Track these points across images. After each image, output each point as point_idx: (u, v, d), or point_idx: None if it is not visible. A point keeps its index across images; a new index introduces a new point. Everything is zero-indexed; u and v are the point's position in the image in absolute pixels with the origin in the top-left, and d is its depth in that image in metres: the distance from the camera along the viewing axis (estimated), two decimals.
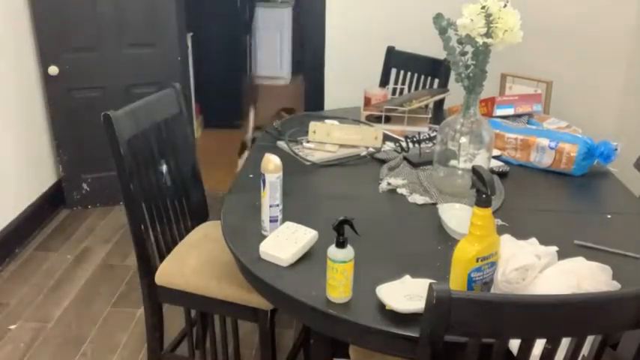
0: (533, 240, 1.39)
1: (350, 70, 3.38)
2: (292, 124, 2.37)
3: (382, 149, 2.16)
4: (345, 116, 2.45)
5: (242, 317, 1.88)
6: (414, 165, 2.02)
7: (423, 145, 2.13)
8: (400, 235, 1.63)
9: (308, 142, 2.18)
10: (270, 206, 1.57)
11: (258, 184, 1.59)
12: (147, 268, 1.93)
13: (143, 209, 1.91)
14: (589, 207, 1.87)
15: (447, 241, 1.56)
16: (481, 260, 1.24)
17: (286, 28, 6.10)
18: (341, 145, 2.17)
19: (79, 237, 3.27)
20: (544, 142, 2.02)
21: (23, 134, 3.22)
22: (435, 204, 1.77)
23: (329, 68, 3.43)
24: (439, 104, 2.83)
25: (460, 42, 1.70)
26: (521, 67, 2.78)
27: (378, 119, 2.42)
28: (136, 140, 1.90)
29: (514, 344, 1.10)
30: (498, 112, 2.31)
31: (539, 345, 1.07)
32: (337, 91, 3.43)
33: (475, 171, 1.24)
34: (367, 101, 2.52)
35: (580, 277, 1.25)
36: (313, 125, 2.21)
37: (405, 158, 2.07)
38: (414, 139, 2.16)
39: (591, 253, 1.46)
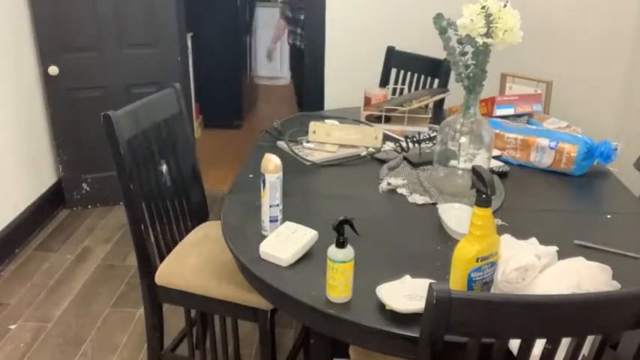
0: (533, 240, 1.39)
1: (350, 70, 3.38)
2: (292, 124, 2.37)
3: (382, 149, 2.16)
4: (345, 116, 2.45)
5: (242, 317, 1.88)
6: (414, 165, 2.02)
7: (423, 145, 2.13)
8: (400, 235, 1.63)
9: (308, 142, 2.18)
10: (270, 206, 1.57)
11: (258, 184, 1.59)
12: (147, 268, 1.93)
13: (143, 209, 1.91)
14: (589, 207, 1.87)
15: (447, 241, 1.56)
16: (481, 260, 1.24)
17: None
18: (341, 145, 2.17)
19: (79, 237, 3.27)
20: (544, 142, 2.02)
21: (23, 134, 3.22)
22: (435, 204, 1.77)
23: (329, 68, 3.43)
24: (439, 104, 2.83)
25: (460, 42, 1.70)
26: (521, 67, 2.78)
27: (378, 119, 2.42)
28: (136, 140, 1.90)
29: (514, 344, 1.10)
30: (498, 112, 2.31)
31: (539, 345, 1.07)
32: (337, 91, 3.43)
33: (475, 171, 1.24)
34: (367, 101, 2.52)
35: (580, 277, 1.25)
36: (313, 125, 2.21)
37: (405, 158, 2.07)
38: (414, 139, 2.16)
39: (591, 253, 1.46)
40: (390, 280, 1.32)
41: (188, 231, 2.13)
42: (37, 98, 3.35)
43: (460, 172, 1.82)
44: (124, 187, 1.84)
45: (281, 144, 2.19)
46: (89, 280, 2.87)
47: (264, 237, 1.53)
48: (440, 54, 1.95)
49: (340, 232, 1.28)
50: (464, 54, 1.71)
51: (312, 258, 1.47)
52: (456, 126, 1.79)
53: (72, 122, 3.40)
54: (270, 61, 5.56)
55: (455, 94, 2.25)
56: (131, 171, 1.85)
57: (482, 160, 1.78)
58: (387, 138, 2.29)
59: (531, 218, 1.73)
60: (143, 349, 2.35)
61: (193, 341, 2.03)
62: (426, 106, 2.44)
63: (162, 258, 1.98)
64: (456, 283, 1.25)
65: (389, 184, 1.88)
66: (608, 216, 1.75)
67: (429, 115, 2.42)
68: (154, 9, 3.36)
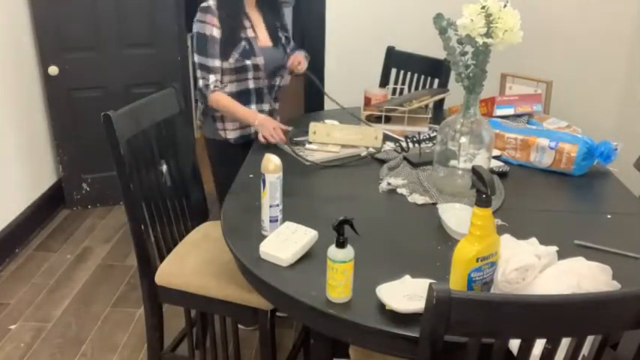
0: (533, 240, 1.38)
1: (350, 70, 3.38)
2: (290, 125, 2.36)
3: (382, 149, 2.16)
4: (345, 116, 2.45)
5: (242, 317, 1.88)
6: (414, 165, 2.02)
7: (423, 145, 2.12)
8: (400, 235, 1.62)
9: (310, 142, 2.18)
10: (270, 206, 1.57)
11: (258, 184, 1.59)
12: (147, 268, 1.93)
13: (143, 209, 1.91)
14: (589, 207, 1.87)
15: (447, 241, 1.56)
16: (481, 260, 1.24)
17: None
18: (342, 146, 2.17)
19: (79, 237, 3.27)
20: (544, 142, 2.02)
21: (23, 134, 3.22)
22: (435, 204, 1.77)
23: (329, 68, 3.43)
24: (439, 104, 2.83)
25: (460, 42, 1.70)
26: (521, 67, 2.78)
27: (378, 119, 2.42)
28: (136, 140, 1.90)
29: (514, 344, 1.10)
30: (498, 112, 2.31)
31: (539, 345, 1.07)
32: (337, 91, 3.42)
33: (475, 171, 1.24)
34: (367, 101, 2.52)
35: (580, 277, 1.25)
36: (313, 126, 2.21)
37: (405, 158, 2.07)
38: (414, 139, 2.16)
39: (591, 253, 1.45)
40: (390, 280, 1.32)
41: (188, 231, 2.13)
42: (37, 98, 3.35)
43: (460, 172, 1.82)
44: (124, 187, 1.84)
45: (281, 144, 2.19)
46: (89, 280, 2.87)
47: (264, 237, 1.53)
48: (440, 54, 1.95)
49: (340, 232, 1.28)
50: (464, 54, 1.71)
51: (312, 258, 1.47)
52: (456, 126, 1.79)
53: (72, 122, 3.40)
54: None
55: (455, 94, 2.25)
56: (131, 171, 1.85)
57: (483, 160, 1.78)
58: (387, 138, 2.29)
59: (531, 218, 1.73)
60: (143, 349, 2.35)
61: (193, 341, 2.02)
62: (426, 106, 2.44)
63: (162, 258, 1.98)
64: (456, 283, 1.25)
65: (389, 184, 1.88)
66: (608, 216, 1.75)
67: (429, 115, 2.42)
68: (154, 9, 3.36)
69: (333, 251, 1.28)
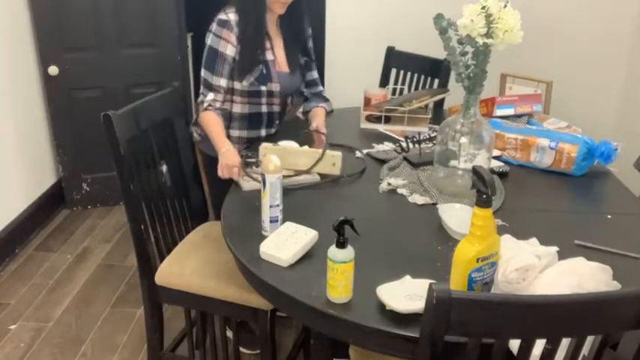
0: (534, 240, 1.39)
1: (350, 70, 3.38)
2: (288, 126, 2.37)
3: (343, 176, 1.93)
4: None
5: (242, 317, 1.88)
6: (414, 165, 2.02)
7: (423, 145, 2.12)
8: (400, 235, 1.62)
9: (258, 165, 1.88)
10: (270, 206, 1.57)
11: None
12: (147, 268, 1.93)
13: (143, 209, 1.91)
14: (589, 207, 1.87)
15: (447, 241, 1.56)
16: (481, 260, 1.24)
17: None
18: (295, 171, 1.90)
19: (79, 237, 3.27)
20: (544, 142, 2.02)
21: (23, 134, 3.22)
22: (435, 204, 1.77)
23: (329, 68, 3.43)
24: (439, 104, 2.83)
25: (460, 42, 1.70)
26: (521, 67, 2.79)
27: (378, 119, 2.42)
28: (136, 140, 1.90)
29: (514, 344, 1.10)
30: (498, 112, 2.31)
31: (539, 345, 1.07)
32: (337, 91, 3.43)
33: (475, 171, 1.24)
34: (367, 101, 2.52)
35: (580, 277, 1.25)
36: (264, 149, 1.92)
37: (405, 158, 2.07)
38: (414, 140, 2.16)
39: (591, 253, 1.45)
40: (390, 280, 1.32)
41: (188, 231, 2.13)
42: (37, 98, 3.35)
43: (460, 172, 1.82)
44: (124, 187, 1.84)
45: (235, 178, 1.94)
46: (89, 280, 2.87)
47: (264, 237, 1.53)
48: (440, 54, 1.95)
49: (340, 233, 1.28)
50: (464, 54, 1.71)
51: (312, 258, 1.47)
52: (456, 126, 1.79)
53: (72, 122, 3.40)
54: None
55: (455, 94, 2.25)
56: (131, 171, 1.85)
57: (483, 160, 1.78)
58: (386, 138, 2.29)
59: (531, 218, 1.73)
60: (143, 349, 2.35)
61: (193, 341, 2.02)
62: (426, 106, 2.44)
63: (162, 258, 1.98)
64: (457, 283, 1.25)
65: (389, 184, 1.88)
66: (609, 216, 1.75)
67: (429, 116, 2.42)
68: (154, 9, 3.35)
69: (333, 251, 1.28)
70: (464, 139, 1.78)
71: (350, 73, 3.34)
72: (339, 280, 1.28)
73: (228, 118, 2.25)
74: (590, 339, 1.11)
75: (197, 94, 2.32)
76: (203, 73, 2.16)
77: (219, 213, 1.77)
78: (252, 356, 2.34)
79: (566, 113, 2.59)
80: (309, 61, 2.40)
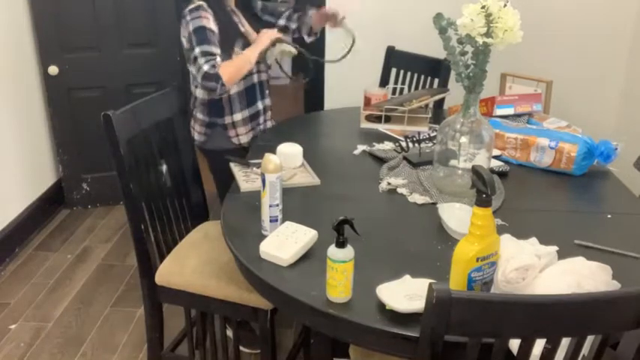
0: (533, 240, 1.39)
1: (350, 70, 3.38)
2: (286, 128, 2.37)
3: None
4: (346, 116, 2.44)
5: (242, 317, 1.88)
6: (414, 165, 2.02)
7: (423, 144, 2.12)
8: (400, 235, 1.62)
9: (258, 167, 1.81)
10: (270, 206, 1.57)
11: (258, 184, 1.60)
12: (147, 268, 1.93)
13: (143, 209, 1.91)
14: (589, 207, 1.87)
15: (447, 241, 1.56)
16: (481, 260, 1.24)
17: None
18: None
19: (79, 237, 3.27)
20: (544, 141, 2.02)
21: (23, 134, 3.22)
22: (435, 204, 1.77)
23: (329, 68, 3.43)
24: (439, 104, 2.83)
25: (460, 42, 1.70)
26: (521, 67, 2.78)
27: (378, 119, 2.42)
28: (136, 140, 1.90)
29: (514, 344, 1.10)
30: (498, 111, 2.31)
31: (539, 345, 1.07)
32: (337, 91, 3.43)
33: (475, 171, 1.24)
34: (367, 101, 2.52)
35: (580, 276, 1.25)
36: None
37: (405, 158, 2.07)
38: (414, 139, 2.16)
39: (591, 253, 1.46)
40: (390, 280, 1.32)
41: (188, 231, 2.13)
42: (37, 98, 3.35)
43: (460, 172, 1.82)
44: (124, 187, 1.84)
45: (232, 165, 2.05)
46: (89, 280, 2.87)
47: (264, 237, 1.53)
48: (440, 54, 1.95)
49: (340, 232, 1.28)
50: (464, 54, 1.71)
51: (312, 258, 1.47)
52: (456, 126, 1.79)
53: (72, 122, 3.40)
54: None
55: (455, 94, 2.25)
56: (131, 171, 1.85)
57: (482, 159, 1.78)
58: (386, 138, 2.29)
59: (531, 218, 1.73)
60: (143, 349, 2.35)
61: (193, 341, 2.02)
62: (426, 105, 2.44)
63: (162, 258, 1.98)
64: (456, 283, 1.25)
65: (389, 184, 1.88)
66: (609, 216, 1.75)
67: (429, 115, 2.42)
68: (154, 9, 3.35)
69: (333, 251, 1.28)
70: (464, 139, 1.78)
71: (350, 73, 3.34)
72: (339, 279, 1.28)
73: (229, 106, 2.32)
74: (590, 339, 1.11)
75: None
76: (199, 48, 2.13)
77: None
78: (252, 356, 2.34)
79: (566, 113, 2.58)
80: (270, 9, 2.51)
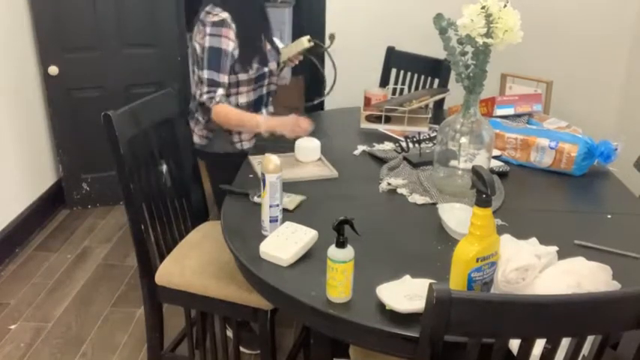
0: (533, 240, 1.39)
1: (350, 70, 3.38)
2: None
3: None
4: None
5: (242, 317, 1.88)
6: (414, 165, 2.02)
7: (423, 145, 2.12)
8: (400, 235, 1.62)
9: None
10: (270, 206, 1.57)
11: (258, 184, 1.59)
12: (147, 268, 1.93)
13: (143, 209, 1.91)
14: (589, 207, 1.87)
15: (447, 241, 1.56)
16: (481, 260, 1.24)
17: (286, 28, 6.09)
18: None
19: (79, 237, 3.27)
20: (544, 142, 2.02)
21: (23, 134, 3.22)
22: (435, 204, 1.77)
23: (329, 68, 3.42)
24: (439, 104, 2.83)
25: (460, 42, 1.70)
26: (521, 67, 2.78)
27: (378, 119, 2.42)
28: (136, 140, 1.90)
29: (514, 344, 1.10)
30: (498, 112, 2.31)
31: (539, 345, 1.07)
32: (337, 91, 3.42)
33: (475, 171, 1.24)
34: (367, 101, 2.52)
35: (580, 276, 1.25)
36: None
37: (405, 158, 2.07)
38: (414, 139, 2.16)
39: (591, 253, 1.46)
40: (390, 280, 1.32)
41: (188, 231, 2.13)
42: (37, 98, 3.35)
43: (460, 172, 1.82)
44: (124, 187, 1.84)
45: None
46: (89, 280, 2.87)
47: (264, 237, 1.53)
48: (440, 54, 1.95)
49: (340, 232, 1.28)
50: (464, 54, 1.71)
51: (312, 258, 1.47)
52: (456, 126, 1.79)
53: (72, 122, 3.40)
54: None
55: (455, 94, 2.25)
56: (131, 171, 1.85)
57: (482, 160, 1.78)
58: (387, 138, 2.29)
59: (531, 218, 1.73)
60: (143, 349, 2.35)
61: (193, 341, 2.02)
62: (426, 106, 2.44)
63: (162, 258, 1.97)
64: (456, 283, 1.25)
65: (389, 184, 1.88)
66: (609, 216, 1.75)
67: (429, 115, 2.42)
68: (154, 9, 3.35)
69: (333, 251, 1.28)
70: (464, 139, 1.78)
71: (350, 73, 3.34)
72: (339, 279, 1.28)
73: None
74: (590, 339, 1.11)
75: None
76: (207, 74, 2.17)
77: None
78: (252, 356, 2.34)
79: (566, 113, 2.59)
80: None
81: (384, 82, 2.99)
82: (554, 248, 1.33)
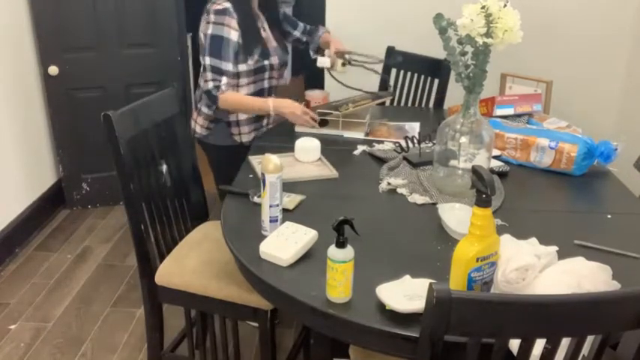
0: (533, 240, 1.38)
1: (350, 71, 3.38)
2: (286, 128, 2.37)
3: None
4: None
5: (242, 317, 1.88)
6: (414, 165, 2.02)
7: (423, 145, 2.12)
8: (400, 235, 1.62)
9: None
10: (270, 206, 1.57)
11: (258, 184, 1.59)
12: (147, 268, 1.93)
13: (143, 209, 1.91)
14: (589, 207, 1.87)
15: (447, 241, 1.56)
16: (481, 260, 1.24)
17: None
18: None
19: (79, 237, 3.27)
20: (544, 142, 2.02)
21: (23, 134, 3.22)
22: (435, 204, 1.77)
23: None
24: (439, 104, 2.84)
25: (460, 42, 1.70)
26: (521, 67, 2.78)
27: (317, 123, 2.38)
28: (136, 140, 1.90)
29: (514, 344, 1.10)
30: (498, 111, 2.31)
31: (539, 345, 1.07)
32: (337, 91, 3.42)
33: (475, 171, 1.24)
34: (307, 104, 2.50)
35: (580, 277, 1.25)
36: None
37: (405, 158, 2.07)
38: (414, 139, 2.16)
39: (591, 253, 1.45)
40: (390, 280, 1.32)
41: (188, 231, 2.13)
42: (37, 98, 3.35)
43: (460, 172, 1.82)
44: (124, 187, 1.84)
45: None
46: (89, 280, 2.87)
47: (264, 237, 1.53)
48: (440, 54, 1.95)
49: (340, 232, 1.28)
50: (464, 54, 1.71)
51: (312, 258, 1.47)
52: (456, 126, 1.79)
53: (72, 122, 3.40)
54: None
55: (455, 94, 2.25)
56: (131, 171, 1.85)
57: (482, 160, 1.78)
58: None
59: (531, 218, 1.73)
60: (143, 349, 2.35)
61: (193, 341, 2.02)
62: (369, 110, 2.42)
63: (162, 258, 1.97)
64: (456, 283, 1.25)
65: (389, 184, 1.88)
66: (609, 216, 1.75)
67: (366, 121, 2.39)
68: (154, 9, 3.35)
69: (333, 251, 1.28)
70: (464, 139, 1.78)
71: (350, 73, 3.34)
72: (339, 279, 1.28)
73: None
74: (590, 339, 1.11)
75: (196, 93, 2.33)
76: (209, 60, 2.22)
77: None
78: (252, 356, 2.34)
79: (566, 113, 2.58)
80: (291, 20, 2.58)
81: (384, 83, 2.99)
82: (554, 248, 1.33)
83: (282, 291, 1.37)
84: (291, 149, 2.09)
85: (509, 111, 2.32)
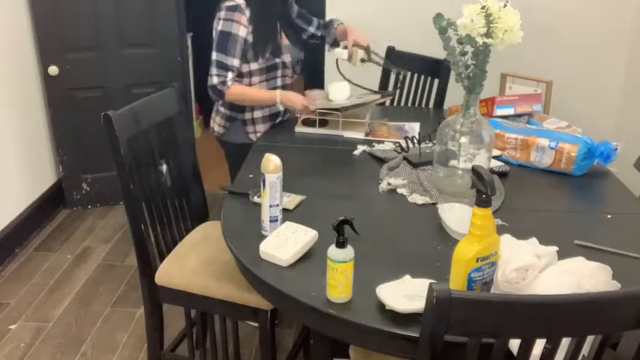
0: (533, 240, 1.38)
1: (349, 71, 3.37)
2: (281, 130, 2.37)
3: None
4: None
5: (242, 317, 1.88)
6: (414, 165, 2.02)
7: (423, 145, 2.12)
8: (400, 235, 1.62)
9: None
10: (270, 206, 1.57)
11: (258, 184, 1.59)
12: (147, 268, 1.93)
13: (143, 209, 1.91)
14: (589, 207, 1.87)
15: (447, 241, 1.56)
16: (481, 260, 1.24)
17: None
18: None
19: (79, 237, 3.27)
20: (544, 142, 2.02)
21: (23, 134, 3.22)
22: (435, 204, 1.77)
23: (328, 68, 3.42)
24: (439, 104, 2.84)
25: (460, 42, 1.70)
26: (521, 67, 2.78)
27: (314, 123, 2.38)
28: (136, 140, 1.90)
29: (514, 344, 1.10)
30: (498, 112, 2.31)
31: (539, 345, 1.07)
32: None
33: (475, 171, 1.24)
34: None
35: (580, 277, 1.25)
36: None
37: (405, 158, 2.07)
38: (414, 139, 2.16)
39: (591, 253, 1.45)
40: (390, 280, 1.32)
41: (188, 231, 2.13)
42: (37, 98, 3.35)
43: (460, 172, 1.82)
44: (124, 187, 1.84)
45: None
46: (89, 280, 2.87)
47: (264, 237, 1.53)
48: (440, 54, 1.95)
49: (340, 232, 1.28)
50: (464, 54, 1.71)
51: (312, 258, 1.47)
52: (456, 126, 1.79)
53: (72, 122, 3.40)
54: None
55: (455, 94, 2.25)
56: (131, 171, 1.85)
57: (482, 160, 1.78)
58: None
59: (531, 218, 1.73)
60: (143, 349, 2.35)
61: (193, 341, 2.02)
62: (370, 110, 2.42)
63: (162, 258, 1.97)
64: (456, 283, 1.25)
65: (389, 184, 1.88)
66: (609, 216, 1.75)
67: (366, 121, 2.39)
68: (154, 9, 3.35)
69: (333, 251, 1.28)
70: (464, 139, 1.78)
71: (349, 74, 3.34)
72: (339, 279, 1.28)
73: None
74: (590, 339, 1.11)
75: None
76: (216, 56, 2.27)
77: None
78: (252, 356, 2.34)
79: (566, 113, 2.58)
80: (305, 17, 2.60)
81: (384, 82, 2.99)
82: (554, 248, 1.33)
83: (282, 291, 1.37)
84: (291, 149, 2.09)
85: (509, 111, 2.32)
